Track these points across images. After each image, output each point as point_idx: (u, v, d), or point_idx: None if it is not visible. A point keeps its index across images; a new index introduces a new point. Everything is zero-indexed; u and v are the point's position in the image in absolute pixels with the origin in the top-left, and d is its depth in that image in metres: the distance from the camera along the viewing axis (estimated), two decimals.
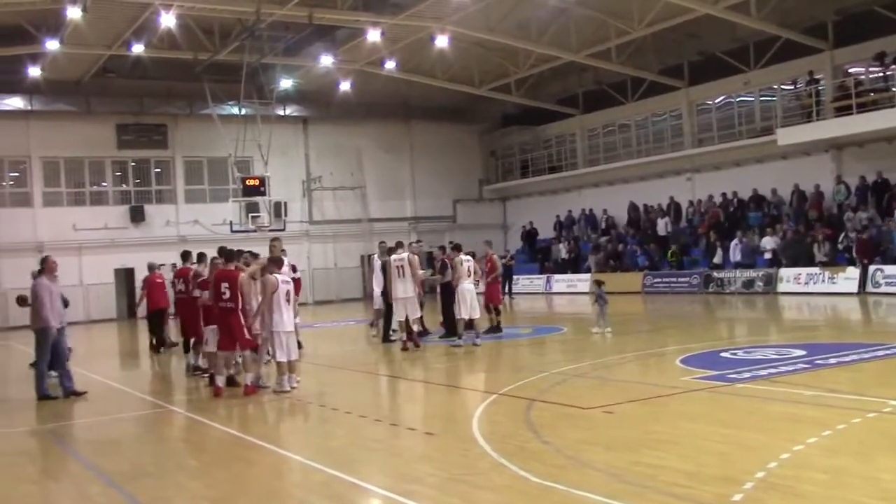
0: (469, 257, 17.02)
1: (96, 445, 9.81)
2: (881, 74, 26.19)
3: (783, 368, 11.29)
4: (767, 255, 26.72)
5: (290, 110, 37.64)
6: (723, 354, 13.18)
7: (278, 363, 12.13)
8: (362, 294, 35.18)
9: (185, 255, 16.19)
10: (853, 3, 27.00)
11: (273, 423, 10.76)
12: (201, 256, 14.94)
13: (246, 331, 12.09)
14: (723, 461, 6.97)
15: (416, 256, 17.45)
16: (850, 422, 8.01)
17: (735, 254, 27.84)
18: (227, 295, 12.09)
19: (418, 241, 24.43)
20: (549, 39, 30.58)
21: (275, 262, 12.49)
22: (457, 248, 17.51)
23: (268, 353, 12.65)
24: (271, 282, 12.02)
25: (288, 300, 12.13)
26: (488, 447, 7.96)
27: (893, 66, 25.37)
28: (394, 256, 16.83)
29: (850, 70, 27.83)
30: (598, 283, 18.45)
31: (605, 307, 17.41)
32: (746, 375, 10.91)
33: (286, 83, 34.58)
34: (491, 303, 18.67)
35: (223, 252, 12.98)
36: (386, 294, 17.27)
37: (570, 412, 9.54)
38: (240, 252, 13.27)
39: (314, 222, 38.41)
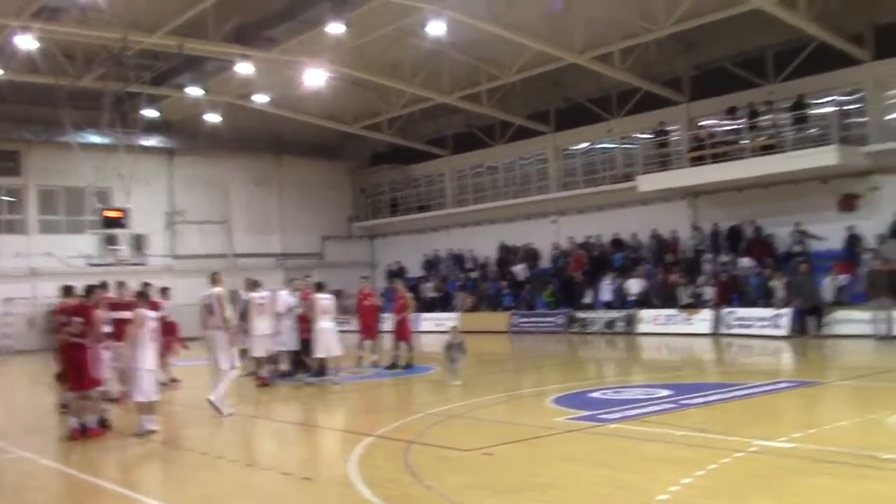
0: (329, 296, 16.87)
1: None
2: (733, 127, 27.85)
3: (652, 408, 11.64)
4: (633, 298, 27.54)
5: (155, 141, 36.40)
6: (593, 394, 13.49)
7: (138, 403, 11.58)
8: None
9: (68, 290, 15.37)
10: (708, 59, 28.63)
11: (137, 470, 10.19)
12: (90, 289, 14.18)
13: (94, 369, 11.52)
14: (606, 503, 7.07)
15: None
16: (721, 462, 8.29)
17: (605, 294, 28.62)
18: (76, 330, 11.48)
19: (306, 276, 23.90)
20: (422, 81, 30.95)
21: (142, 298, 12.04)
22: (318, 287, 17.33)
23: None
24: (140, 317, 11.55)
25: (152, 338, 11.68)
26: (368, 492, 7.80)
27: (743, 120, 27.03)
28: (255, 294, 16.65)
29: (705, 122, 29.44)
30: (454, 331, 16.64)
31: (459, 357, 15.70)
32: (618, 415, 11.17)
33: (152, 113, 33.51)
34: (402, 339, 18.73)
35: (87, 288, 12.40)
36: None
37: (450, 454, 9.49)
38: (103, 284, 12.75)
39: (178, 256, 37.15)
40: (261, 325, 16.76)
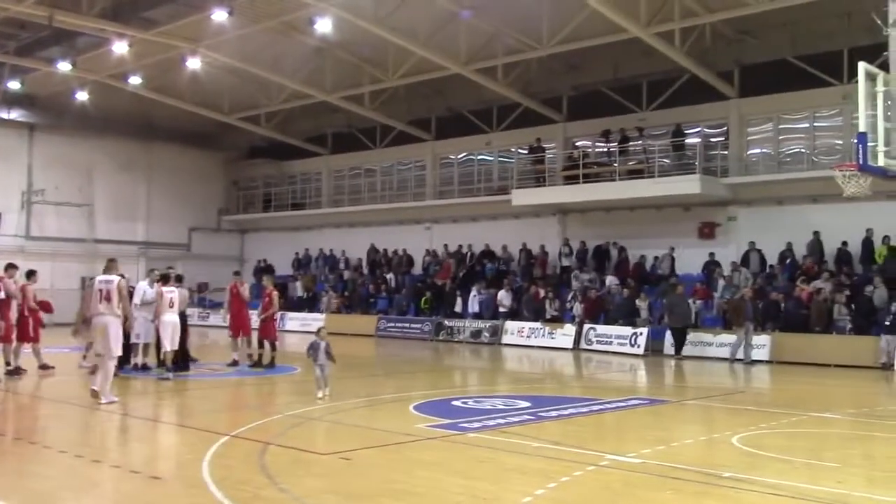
0: (173, 288, 16.39)
1: None
2: (605, 150, 28.78)
3: (511, 419, 11.82)
4: (503, 309, 27.89)
5: (15, 114, 34.54)
6: (454, 403, 13.58)
7: None
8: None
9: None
10: (587, 82, 29.50)
11: None
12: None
13: None
14: None
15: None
16: (573, 474, 8.48)
17: (473, 305, 28.91)
18: None
19: (169, 268, 22.89)
20: (304, 77, 30.59)
21: None
22: (164, 279, 16.80)
23: None
24: None
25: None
26: (220, 494, 7.57)
27: (616, 144, 27.97)
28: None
29: (579, 143, 30.30)
30: (321, 333, 14.08)
31: (327, 365, 13.66)
32: (477, 425, 11.28)
33: (14, 84, 31.75)
34: (266, 338, 18.38)
35: None
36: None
37: (307, 458, 9.35)
38: None
39: (32, 237, 35.28)
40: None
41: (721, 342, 22.54)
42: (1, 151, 32.09)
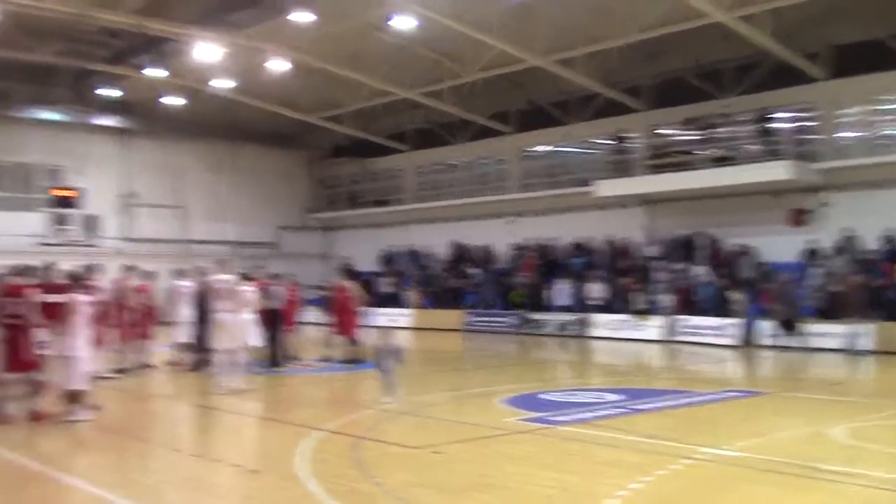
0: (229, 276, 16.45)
1: None
2: (689, 138, 28.21)
3: (602, 412, 11.72)
4: (593, 301, 27.52)
5: (111, 121, 35.71)
6: (544, 396, 13.54)
7: (71, 391, 11.31)
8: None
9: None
10: (669, 69, 28.95)
11: (79, 457, 9.98)
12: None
13: (30, 352, 11.24)
14: None
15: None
16: (669, 468, 8.37)
17: (562, 298, 28.62)
18: (15, 311, 11.20)
19: (260, 267, 23.25)
20: (385, 74, 30.83)
21: (75, 280, 11.85)
22: (245, 278, 17.10)
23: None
24: (75, 302, 11.28)
25: (87, 324, 11.45)
26: (316, 487, 7.73)
27: (700, 132, 27.40)
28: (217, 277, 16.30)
29: (662, 131, 29.78)
30: (387, 335, 13.24)
31: (393, 368, 12.75)
32: (568, 418, 11.23)
33: (110, 92, 32.89)
34: (345, 334, 18.54)
35: (21, 269, 12.08)
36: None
37: (399, 451, 9.45)
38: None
39: (130, 240, 36.52)
40: (185, 312, 17.10)
41: (824, 332, 21.75)
42: (99, 157, 33.26)
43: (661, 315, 25.59)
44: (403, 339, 15.59)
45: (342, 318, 18.72)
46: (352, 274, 24.74)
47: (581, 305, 27.95)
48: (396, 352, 12.83)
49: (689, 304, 25.61)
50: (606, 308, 27.31)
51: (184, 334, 17.31)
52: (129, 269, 16.87)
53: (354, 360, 18.39)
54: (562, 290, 28.72)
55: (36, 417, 11.25)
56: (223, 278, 14.24)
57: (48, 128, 30.26)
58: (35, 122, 30.90)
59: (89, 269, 14.59)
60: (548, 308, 29.21)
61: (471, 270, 33.81)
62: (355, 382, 16.81)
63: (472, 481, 7.97)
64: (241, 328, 14.14)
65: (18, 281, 11.67)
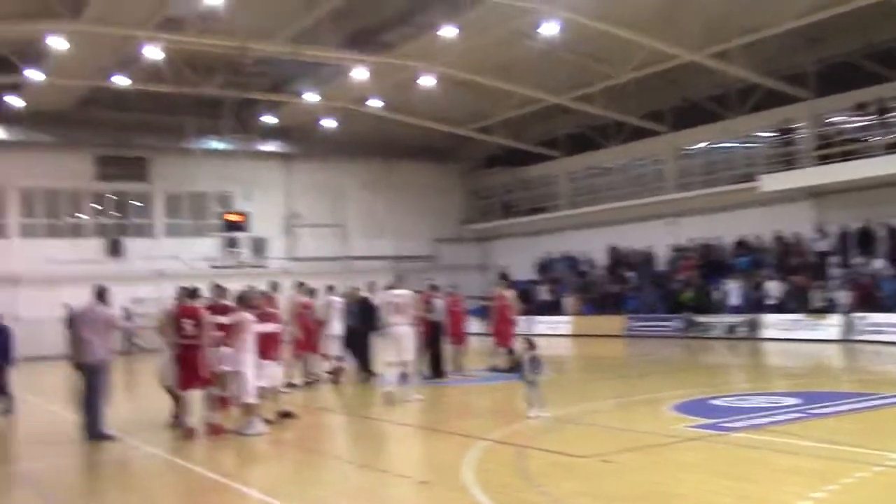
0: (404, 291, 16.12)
1: (70, 490, 9.40)
2: (861, 124, 26.51)
3: (778, 417, 11.10)
4: (769, 301, 26.32)
5: (273, 146, 37.44)
6: (714, 402, 12.97)
7: (244, 405, 11.85)
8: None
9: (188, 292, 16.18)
10: (834, 53, 27.36)
11: (255, 469, 10.37)
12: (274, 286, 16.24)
13: (205, 369, 11.87)
14: None
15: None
16: (855, 476, 7.80)
17: (733, 298, 27.45)
18: (190, 332, 11.85)
19: (427, 279, 23.34)
20: (534, 82, 30.72)
21: (244, 302, 12.36)
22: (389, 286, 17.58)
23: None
24: (243, 320, 11.81)
25: (254, 340, 12.01)
26: (483, 497, 7.67)
27: (873, 117, 25.69)
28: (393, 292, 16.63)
29: (831, 119, 28.15)
30: (530, 345, 12.56)
31: (536, 379, 12.12)
32: (741, 424, 10.70)
33: (270, 119, 34.42)
34: (503, 343, 18.51)
35: (191, 291, 12.66)
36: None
37: (565, 461, 9.26)
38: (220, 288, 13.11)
39: (295, 259, 38.05)
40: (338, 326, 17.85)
41: None
42: (263, 182, 34.85)
43: (838, 313, 24.11)
44: (557, 347, 15.35)
45: (500, 327, 18.66)
46: (509, 283, 24.59)
47: (752, 306, 26.67)
48: (536, 362, 12.10)
49: (870, 300, 23.99)
50: (779, 308, 25.95)
51: (338, 348, 17.96)
52: (299, 285, 17.42)
53: (516, 369, 18.28)
54: (732, 291, 27.45)
55: (212, 431, 11.82)
56: (399, 293, 14.89)
57: (217, 157, 32.00)
58: (205, 153, 32.73)
59: (273, 285, 15.56)
60: (717, 310, 28.03)
61: (630, 274, 33.08)
62: (517, 392, 16.68)
63: (643, 490, 7.70)
64: (410, 340, 14.70)
65: (192, 303, 12.31)
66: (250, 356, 11.91)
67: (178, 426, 12.22)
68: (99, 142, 34.54)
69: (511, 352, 18.49)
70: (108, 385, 12.14)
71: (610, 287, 33.39)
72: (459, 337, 18.82)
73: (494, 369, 18.64)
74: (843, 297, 24.28)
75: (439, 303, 18.22)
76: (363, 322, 17.83)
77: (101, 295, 12.39)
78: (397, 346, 14.53)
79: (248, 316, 12.02)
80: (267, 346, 12.33)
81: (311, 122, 35.59)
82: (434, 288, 18.83)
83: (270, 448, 11.23)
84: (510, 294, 19.42)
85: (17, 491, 9.50)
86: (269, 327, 12.65)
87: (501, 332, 18.66)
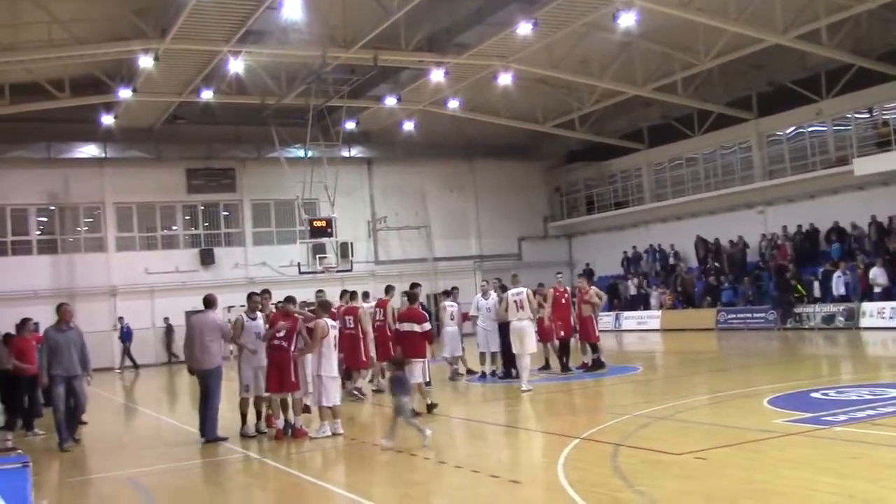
0: (522, 289, 16.46)
1: (173, 492, 9.70)
2: None
3: (883, 410, 10.69)
4: (878, 289, 25.17)
5: (354, 151, 37.93)
6: (813, 395, 12.57)
7: (322, 408, 12.09)
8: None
9: (352, 295, 16.82)
10: None
11: (349, 470, 10.51)
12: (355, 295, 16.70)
13: (293, 374, 12.19)
14: None
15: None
16: None
17: (839, 287, 26.27)
18: (283, 336, 12.16)
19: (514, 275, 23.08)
20: (613, 74, 30.33)
21: (323, 307, 12.59)
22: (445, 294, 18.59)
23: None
24: (321, 326, 12.06)
25: (334, 345, 12.28)
26: (578, 497, 7.60)
27: None
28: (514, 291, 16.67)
29: None
30: (396, 365, 11.91)
31: (401, 406, 10.80)
32: (843, 418, 10.34)
33: (351, 125, 34.86)
34: (585, 339, 18.39)
35: (287, 297, 13.13)
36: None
37: (660, 458, 9.10)
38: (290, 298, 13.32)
39: (380, 262, 38.46)
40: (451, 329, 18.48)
41: None
42: (347, 187, 35.20)
43: None
44: (647, 342, 15.10)
45: (584, 323, 18.43)
46: (590, 278, 24.28)
47: (853, 294, 25.65)
48: (400, 383, 11.16)
49: None
50: (882, 296, 24.88)
51: (450, 349, 18.29)
52: (389, 289, 17.42)
53: (600, 365, 18.08)
54: (840, 279, 26.23)
55: (296, 434, 12.11)
56: (519, 290, 16.03)
57: (301, 164, 32.50)
58: (289, 161, 33.38)
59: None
60: (820, 299, 27.02)
61: (721, 265, 32.31)
62: (607, 388, 16.52)
63: (743, 488, 7.50)
64: (532, 335, 16.05)
65: (283, 308, 12.64)
66: (333, 360, 12.18)
67: (259, 432, 12.64)
68: (188, 155, 35.61)
69: (596, 348, 18.30)
70: (219, 390, 12.53)
71: (701, 279, 32.67)
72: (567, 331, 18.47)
73: (584, 366, 18.39)
74: None
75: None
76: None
77: (208, 303, 12.76)
78: (520, 339, 15.66)
79: (328, 322, 12.23)
80: (415, 346, 13.38)
81: (392, 125, 35.93)
82: (540, 286, 18.79)
83: (361, 449, 11.35)
84: (594, 290, 19.12)
85: (127, 496, 9.84)
86: (416, 328, 13.51)
87: (587, 329, 18.39)
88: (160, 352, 33.95)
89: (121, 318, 31.31)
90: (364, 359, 16.00)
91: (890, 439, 9.03)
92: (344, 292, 17.04)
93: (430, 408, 13.59)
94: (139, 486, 10.03)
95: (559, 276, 20.40)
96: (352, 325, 15.80)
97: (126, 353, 31.62)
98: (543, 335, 17.78)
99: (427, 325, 13.68)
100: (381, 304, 17.01)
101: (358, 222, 37.91)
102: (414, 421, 10.96)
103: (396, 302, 16.21)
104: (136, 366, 31.47)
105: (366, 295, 18.54)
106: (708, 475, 8.21)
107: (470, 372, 18.60)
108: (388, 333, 16.05)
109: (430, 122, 35.39)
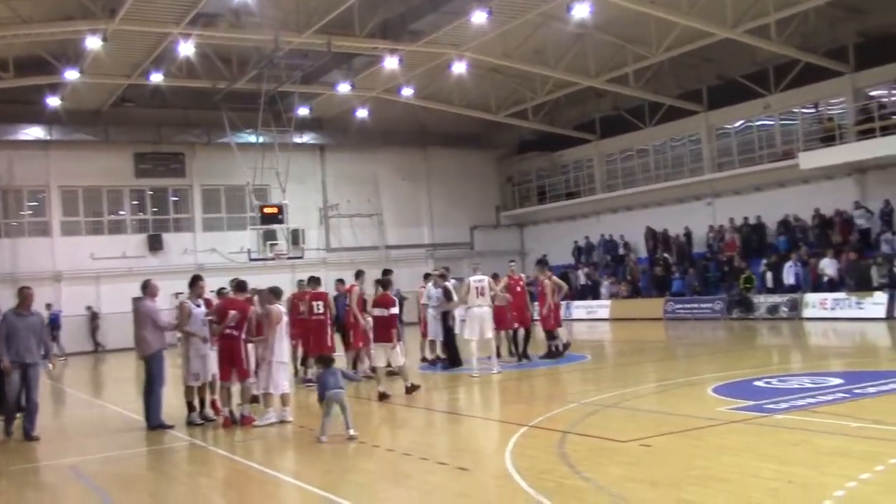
0: (483, 277, 16.92)
1: (116, 480, 9.56)
2: None
3: (822, 398, 10.94)
4: (826, 279, 25.70)
5: (307, 138, 37.61)
6: (756, 383, 12.82)
7: (268, 395, 12.01)
8: None
9: (317, 281, 16.84)
10: (874, 25, 26.79)
11: (296, 458, 10.46)
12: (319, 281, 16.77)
13: (244, 361, 12.06)
14: (775, 499, 6.66)
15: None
16: None
17: (789, 277, 26.72)
18: (233, 324, 12.01)
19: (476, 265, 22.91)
20: (567, 65, 30.49)
21: (273, 293, 12.45)
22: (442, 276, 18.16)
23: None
24: (277, 312, 12.00)
25: (286, 331, 12.34)
26: (525, 484, 7.66)
27: None
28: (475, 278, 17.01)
29: (872, 93, 27.59)
30: (324, 362, 11.34)
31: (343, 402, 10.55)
32: (784, 405, 10.56)
33: (304, 111, 34.56)
34: (545, 328, 18.54)
35: (236, 283, 13.05)
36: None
37: (607, 445, 9.22)
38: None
39: (331, 249, 38.28)
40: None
41: None
42: (298, 174, 34.93)
43: (885, 291, 23.63)
44: (596, 332, 15.31)
45: (542, 311, 18.56)
46: (549, 268, 24.35)
47: (805, 285, 26.15)
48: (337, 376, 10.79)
49: None
50: (823, 287, 25.42)
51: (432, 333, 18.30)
52: (359, 274, 17.19)
53: (555, 355, 18.25)
54: (790, 269, 26.67)
55: (244, 422, 12.01)
56: (479, 278, 16.63)
57: (252, 150, 32.18)
58: (240, 146, 33.00)
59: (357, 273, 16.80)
60: (772, 289, 27.40)
61: (669, 256, 32.76)
62: (557, 377, 16.66)
63: (686, 474, 7.63)
64: (490, 321, 16.56)
65: (233, 296, 12.49)
66: (284, 347, 12.17)
67: (205, 419, 12.50)
68: (137, 139, 35.01)
69: (553, 336, 18.44)
70: (162, 376, 12.35)
71: (649, 270, 33.09)
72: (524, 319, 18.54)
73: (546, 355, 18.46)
74: (889, 274, 23.71)
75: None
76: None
77: (144, 289, 12.57)
78: (480, 325, 16.30)
79: (280, 308, 12.17)
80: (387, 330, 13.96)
81: (345, 112, 35.70)
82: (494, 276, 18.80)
83: (311, 437, 11.31)
84: (554, 279, 19.13)
85: (70, 485, 9.68)
86: (386, 312, 13.98)
87: (546, 317, 18.48)
88: (106, 338, 33.32)
89: (49, 305, 30.52)
90: (329, 344, 15.96)
91: (829, 426, 9.24)
92: (312, 279, 16.94)
93: (412, 389, 14.17)
94: (82, 474, 9.87)
95: (512, 264, 20.36)
96: (320, 311, 15.80)
97: (54, 340, 30.84)
98: (498, 323, 17.87)
99: (394, 310, 14.21)
100: (350, 290, 16.95)
101: (310, 209, 37.66)
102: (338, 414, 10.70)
103: (368, 288, 16.40)
104: (63, 354, 30.61)
105: (341, 281, 18.44)
106: (652, 462, 8.34)
107: (424, 360, 18.61)
108: (352, 320, 16.25)
109: (384, 109, 35.23)
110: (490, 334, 16.66)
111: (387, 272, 15.51)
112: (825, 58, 27.81)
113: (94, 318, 33.19)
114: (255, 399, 12.56)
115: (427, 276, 19.15)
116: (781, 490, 6.91)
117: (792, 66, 28.82)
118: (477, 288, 16.43)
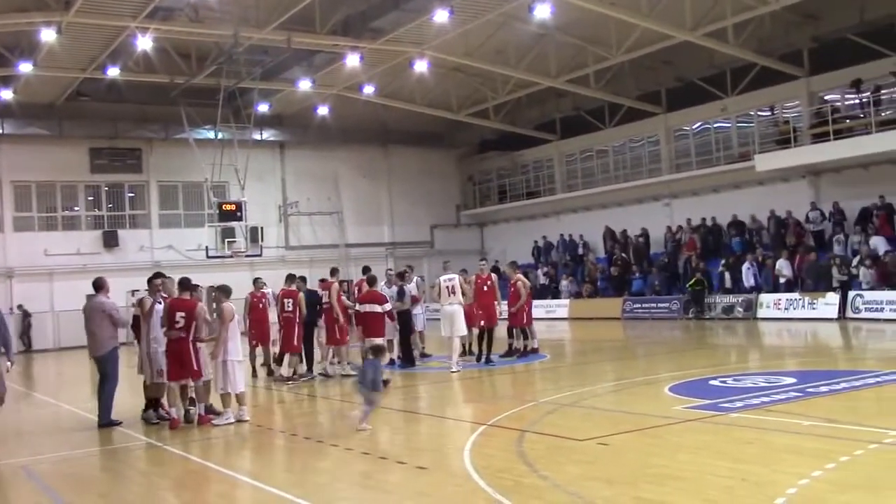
0: (454, 275, 17.19)
1: (68, 480, 9.39)
2: (857, 101, 26.45)
3: (776, 397, 11.11)
4: (783, 280, 26.00)
5: (267, 135, 37.33)
6: (712, 382, 12.98)
7: (225, 395, 11.91)
8: None
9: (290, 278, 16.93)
10: (829, 30, 27.29)
11: (253, 457, 10.35)
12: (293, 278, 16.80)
13: (195, 361, 11.81)
14: (729, 497, 6.74)
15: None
16: (854, 454, 7.80)
17: (748, 278, 26.98)
18: (181, 324, 11.75)
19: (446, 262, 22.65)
20: (528, 65, 30.62)
21: (223, 291, 12.30)
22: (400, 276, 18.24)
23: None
24: (228, 310, 11.87)
25: (239, 330, 12.19)
26: (483, 483, 7.67)
27: (869, 94, 25.62)
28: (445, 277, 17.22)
29: (826, 97, 28.09)
30: (374, 352, 11.39)
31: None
32: (739, 404, 10.70)
33: (263, 107, 34.29)
34: (515, 326, 18.61)
35: (182, 282, 12.46)
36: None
37: (565, 444, 9.26)
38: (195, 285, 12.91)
39: (291, 247, 38.03)
40: None
41: None
42: (258, 171, 34.71)
43: (836, 292, 24.06)
44: (555, 331, 15.41)
45: (511, 310, 18.54)
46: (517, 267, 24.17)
47: (765, 285, 26.48)
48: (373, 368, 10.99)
49: (888, 278, 23.66)
50: (813, 285, 25.66)
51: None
52: (334, 271, 17.35)
53: (515, 353, 18.29)
54: (749, 270, 26.92)
55: (201, 421, 11.87)
56: (449, 276, 16.93)
57: (211, 146, 31.84)
58: (199, 142, 32.64)
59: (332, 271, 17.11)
60: (730, 290, 27.67)
61: (627, 256, 33.03)
62: (515, 375, 16.72)
63: (642, 472, 7.70)
64: (462, 318, 16.73)
65: (183, 295, 12.18)
66: (237, 345, 11.98)
67: (160, 419, 12.27)
68: (92, 133, 34.45)
69: (525, 334, 18.56)
70: (115, 375, 12.15)
71: (608, 270, 33.33)
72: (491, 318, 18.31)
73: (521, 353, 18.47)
74: (865, 274, 23.93)
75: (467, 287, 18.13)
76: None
77: (97, 287, 12.33)
78: (450, 323, 16.52)
79: (231, 306, 12.06)
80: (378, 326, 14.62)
81: (306, 109, 35.49)
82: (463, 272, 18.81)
83: (269, 437, 11.22)
84: (522, 278, 19.08)
85: (21, 485, 9.48)
86: (378, 308, 14.70)
87: (515, 315, 18.50)
88: (59, 336, 32.71)
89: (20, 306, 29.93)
90: (296, 343, 15.85)
91: (783, 424, 9.39)
92: (289, 276, 16.94)
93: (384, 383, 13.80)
94: (33, 474, 9.68)
95: (482, 263, 20.26)
96: (290, 308, 15.95)
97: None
98: (467, 320, 17.88)
99: (388, 306, 14.96)
100: (327, 287, 16.88)
101: (269, 207, 37.38)
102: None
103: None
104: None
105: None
106: (609, 460, 8.40)
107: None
108: (333, 316, 16.33)
109: (345, 107, 35.08)
110: (463, 331, 17.04)
111: (367, 269, 16.45)
112: (781, 62, 28.27)
113: (25, 316, 32.47)
114: (192, 402, 12.28)
115: (401, 275, 18.76)
116: (736, 487, 7.00)
117: (749, 70, 29.26)
118: (447, 287, 16.71)
